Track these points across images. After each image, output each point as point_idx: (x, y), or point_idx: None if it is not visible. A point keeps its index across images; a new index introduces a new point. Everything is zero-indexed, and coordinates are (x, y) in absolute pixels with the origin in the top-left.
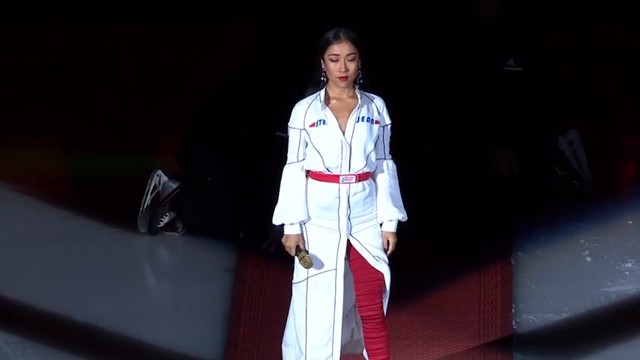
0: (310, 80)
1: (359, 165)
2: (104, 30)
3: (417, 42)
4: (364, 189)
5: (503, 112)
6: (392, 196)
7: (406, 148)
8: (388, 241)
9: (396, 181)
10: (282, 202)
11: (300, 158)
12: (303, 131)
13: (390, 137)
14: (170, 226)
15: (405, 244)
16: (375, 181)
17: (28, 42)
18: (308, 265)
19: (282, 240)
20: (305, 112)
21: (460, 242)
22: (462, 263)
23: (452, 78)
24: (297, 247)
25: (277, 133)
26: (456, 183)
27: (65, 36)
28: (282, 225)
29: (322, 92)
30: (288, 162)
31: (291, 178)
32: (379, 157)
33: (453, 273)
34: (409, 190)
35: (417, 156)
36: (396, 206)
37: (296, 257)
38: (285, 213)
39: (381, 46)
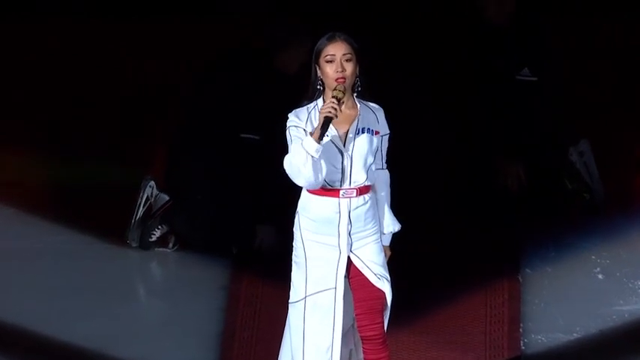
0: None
1: (360, 178)
2: (104, 30)
3: (420, 46)
4: (365, 203)
5: (513, 124)
6: (389, 206)
7: (407, 160)
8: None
9: (389, 191)
10: (295, 157)
11: None
12: (303, 131)
13: (388, 147)
14: (162, 241)
15: (407, 260)
16: (374, 192)
17: (28, 42)
18: (340, 93)
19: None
20: (307, 118)
21: (465, 258)
22: (467, 281)
23: (455, 85)
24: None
25: (242, 135)
26: (458, 196)
27: (65, 36)
28: (272, 230)
29: (320, 102)
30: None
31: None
32: (377, 167)
33: (457, 291)
34: (411, 203)
35: (419, 168)
36: (394, 217)
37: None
38: (305, 145)
39: (383, 50)
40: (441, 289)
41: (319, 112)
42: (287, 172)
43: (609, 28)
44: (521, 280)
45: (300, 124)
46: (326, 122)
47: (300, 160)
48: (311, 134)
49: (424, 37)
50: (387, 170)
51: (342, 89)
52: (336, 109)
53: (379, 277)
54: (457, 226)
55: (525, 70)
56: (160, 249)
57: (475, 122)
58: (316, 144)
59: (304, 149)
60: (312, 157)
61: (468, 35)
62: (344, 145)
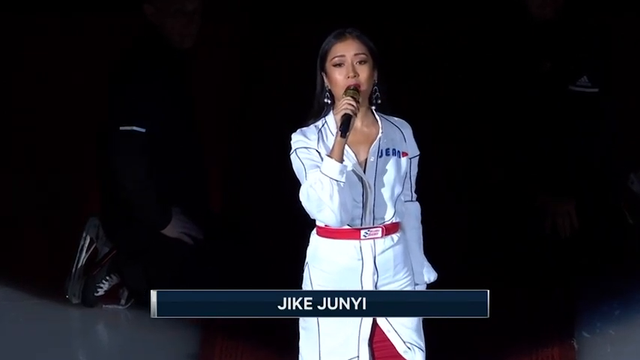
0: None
1: (386, 214)
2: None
3: (440, 59)
4: (394, 244)
5: (562, 150)
6: (422, 249)
7: (434, 197)
8: None
9: (421, 228)
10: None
11: None
12: (316, 152)
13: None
14: (111, 296)
15: (436, 322)
16: (403, 231)
17: None
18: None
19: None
20: (317, 137)
21: (505, 319)
22: (508, 347)
23: (490, 99)
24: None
25: (121, 128)
26: (495, 241)
27: None
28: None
29: (329, 119)
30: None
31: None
32: (405, 199)
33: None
34: (440, 248)
35: (440, 206)
36: (429, 264)
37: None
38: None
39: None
40: (475, 357)
41: (334, 116)
42: (305, 207)
43: None
44: (576, 347)
45: (311, 143)
46: (345, 122)
47: (324, 190)
48: (328, 156)
49: (450, 39)
50: (417, 202)
51: (354, 91)
52: (354, 105)
53: (409, 345)
54: (495, 278)
55: (584, 79)
56: (109, 306)
57: (514, 148)
58: (338, 164)
59: (325, 175)
60: (338, 182)
61: (509, 36)
62: (364, 172)
